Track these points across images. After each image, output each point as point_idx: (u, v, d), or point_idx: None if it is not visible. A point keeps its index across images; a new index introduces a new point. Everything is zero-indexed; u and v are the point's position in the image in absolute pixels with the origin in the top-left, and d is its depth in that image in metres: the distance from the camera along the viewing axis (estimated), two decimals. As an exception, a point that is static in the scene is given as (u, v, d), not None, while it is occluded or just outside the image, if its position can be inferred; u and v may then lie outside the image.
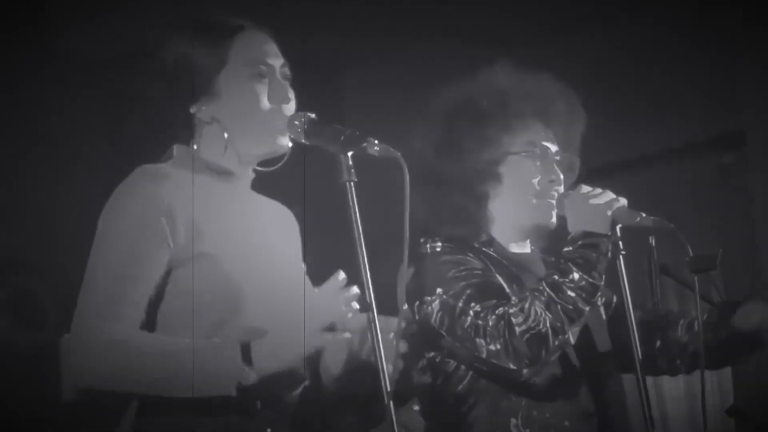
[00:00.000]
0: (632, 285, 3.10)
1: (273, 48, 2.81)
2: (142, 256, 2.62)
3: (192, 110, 2.77)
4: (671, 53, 6.01)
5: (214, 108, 2.76)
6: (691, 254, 3.13)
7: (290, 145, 2.77)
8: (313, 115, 2.74)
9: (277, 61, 2.80)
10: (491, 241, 3.23)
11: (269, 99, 2.76)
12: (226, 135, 2.75)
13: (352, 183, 2.62)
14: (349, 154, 2.60)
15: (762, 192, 5.64)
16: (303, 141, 2.73)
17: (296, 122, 2.73)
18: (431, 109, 3.32)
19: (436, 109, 3.31)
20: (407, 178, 2.58)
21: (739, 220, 6.03)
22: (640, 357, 3.05)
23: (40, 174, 5.87)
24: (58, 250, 5.65)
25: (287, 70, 2.82)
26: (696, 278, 3.15)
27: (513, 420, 3.07)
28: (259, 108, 2.75)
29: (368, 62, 6.46)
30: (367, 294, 2.56)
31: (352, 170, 2.64)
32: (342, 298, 2.59)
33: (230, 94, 2.76)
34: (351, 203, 2.61)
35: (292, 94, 2.80)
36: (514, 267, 3.21)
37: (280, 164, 2.81)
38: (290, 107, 2.78)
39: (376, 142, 2.64)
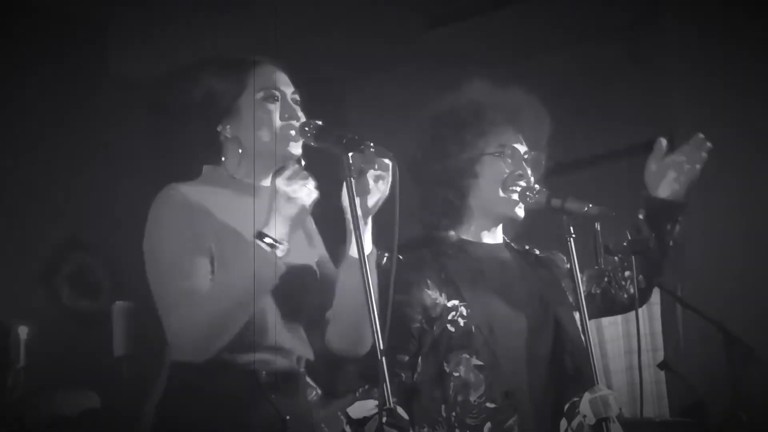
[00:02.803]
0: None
1: (284, 77, 2.78)
2: (195, 263, 2.57)
3: (218, 128, 2.75)
4: (613, 72, 6.02)
5: (236, 126, 2.74)
6: (630, 238, 3.12)
7: (300, 152, 2.74)
8: (320, 122, 2.72)
9: (288, 88, 2.77)
10: (460, 241, 3.23)
11: (280, 117, 2.73)
12: (240, 150, 2.74)
13: (352, 179, 2.62)
14: (350, 154, 2.60)
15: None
16: (312, 144, 2.72)
17: (306, 128, 2.71)
18: (420, 117, 3.31)
19: (424, 117, 3.30)
20: (397, 174, 2.59)
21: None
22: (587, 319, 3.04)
23: (96, 171, 5.88)
24: (111, 232, 5.66)
25: (297, 96, 2.78)
26: (633, 257, 3.16)
27: (443, 405, 3.05)
28: (272, 123, 2.72)
29: (366, 78, 6.45)
30: (362, 263, 2.54)
31: (353, 168, 2.64)
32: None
33: (248, 112, 2.72)
34: (350, 196, 2.61)
35: (301, 115, 2.77)
36: (481, 257, 3.20)
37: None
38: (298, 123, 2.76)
39: (372, 144, 2.64)
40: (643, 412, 3.40)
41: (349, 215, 2.63)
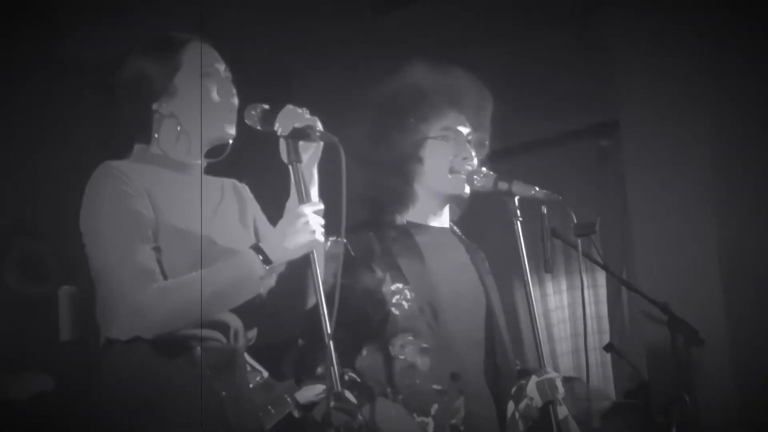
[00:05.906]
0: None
1: (216, 55, 2.77)
2: (136, 237, 2.55)
3: (154, 107, 2.71)
4: (561, 58, 6.03)
5: (172, 103, 2.70)
6: (575, 221, 3.13)
7: (234, 132, 2.72)
8: (267, 107, 2.70)
9: (221, 66, 2.75)
10: (406, 224, 3.21)
11: (218, 93, 2.71)
12: (179, 128, 2.70)
13: (298, 164, 2.61)
14: (280, 123, 2.61)
15: (632, 169, 5.67)
16: (258, 128, 2.69)
17: (253, 112, 2.69)
18: (364, 105, 3.29)
19: (367, 105, 3.28)
20: (344, 158, 2.55)
21: (613, 193, 6.07)
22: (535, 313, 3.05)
23: (43, 157, 5.81)
24: (58, 217, 5.57)
25: (229, 73, 2.77)
26: (579, 240, 3.17)
27: (389, 389, 3.04)
28: (210, 100, 2.70)
29: (314, 64, 6.42)
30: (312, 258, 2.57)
31: (299, 152, 2.62)
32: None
33: (185, 90, 2.70)
34: (297, 180, 2.60)
35: (234, 91, 2.75)
36: (427, 240, 3.19)
37: (224, 155, 2.76)
38: (235, 101, 2.74)
39: (318, 129, 2.62)
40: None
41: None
